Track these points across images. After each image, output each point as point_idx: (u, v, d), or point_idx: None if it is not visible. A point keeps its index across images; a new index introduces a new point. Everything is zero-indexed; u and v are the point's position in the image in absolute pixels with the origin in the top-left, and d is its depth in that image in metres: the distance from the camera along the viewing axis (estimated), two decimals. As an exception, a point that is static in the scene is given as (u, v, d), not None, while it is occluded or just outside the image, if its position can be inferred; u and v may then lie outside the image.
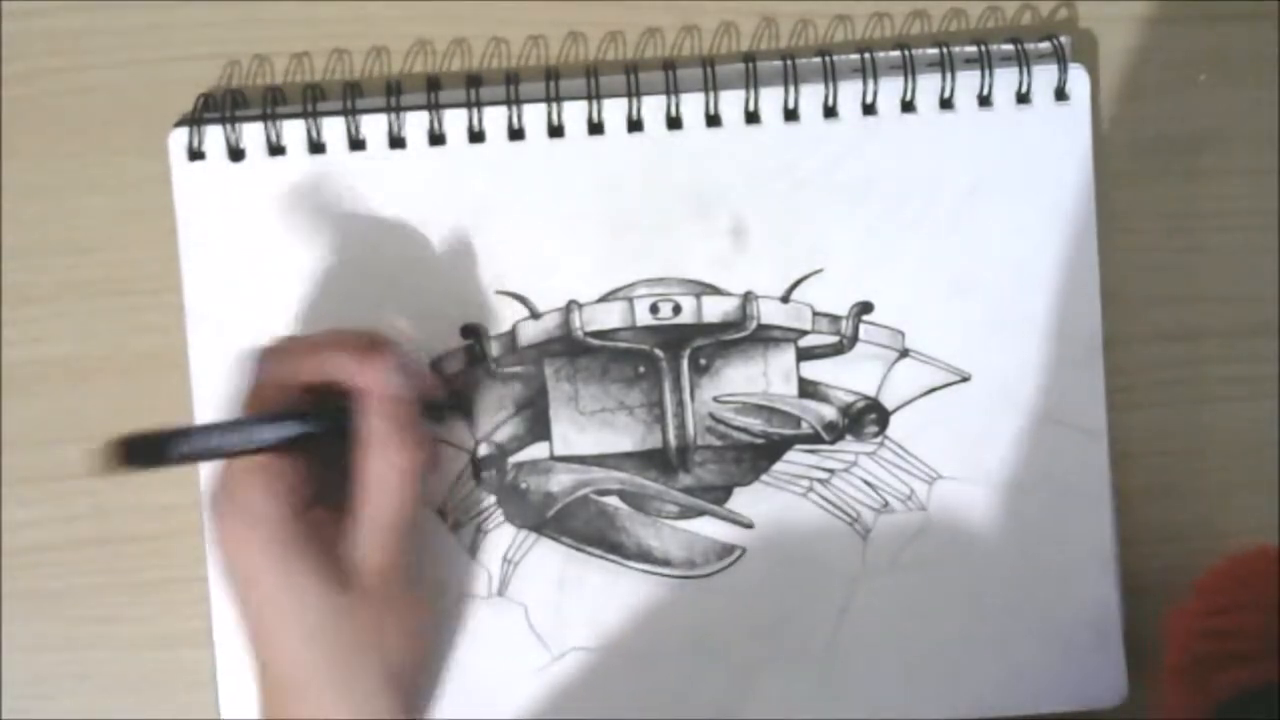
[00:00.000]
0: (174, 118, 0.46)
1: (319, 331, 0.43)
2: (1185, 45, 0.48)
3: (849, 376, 0.46)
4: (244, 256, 0.45)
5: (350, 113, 0.45)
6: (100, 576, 0.46)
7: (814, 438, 0.46)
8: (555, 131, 0.45)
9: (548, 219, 0.46)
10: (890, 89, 0.46)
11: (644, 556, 0.46)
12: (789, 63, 0.45)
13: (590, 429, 0.46)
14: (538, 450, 0.46)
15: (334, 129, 0.45)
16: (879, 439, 0.46)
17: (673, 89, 0.45)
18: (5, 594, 0.46)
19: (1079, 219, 0.46)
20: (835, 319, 0.46)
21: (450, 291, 0.46)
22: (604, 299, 0.46)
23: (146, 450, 0.39)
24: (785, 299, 0.46)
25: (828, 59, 0.45)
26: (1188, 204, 0.48)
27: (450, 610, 0.46)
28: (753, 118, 0.46)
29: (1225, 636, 0.39)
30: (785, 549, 0.46)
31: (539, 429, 0.46)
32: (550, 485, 0.46)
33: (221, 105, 0.45)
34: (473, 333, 0.46)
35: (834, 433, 0.46)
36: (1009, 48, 0.46)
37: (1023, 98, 0.46)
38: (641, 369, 0.46)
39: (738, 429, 0.46)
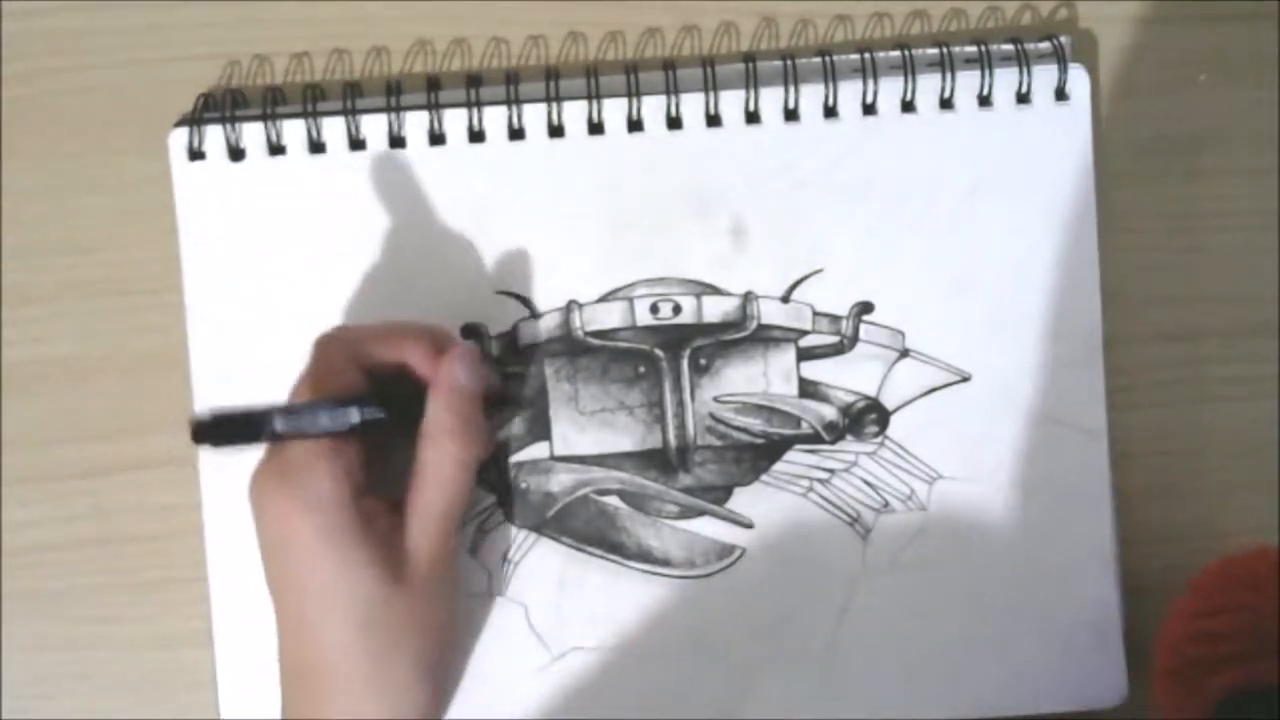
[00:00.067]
0: (174, 118, 0.46)
1: (387, 321, 0.43)
2: (1185, 45, 0.48)
3: (849, 376, 0.46)
4: (244, 256, 0.45)
5: (350, 113, 0.45)
6: (100, 576, 0.46)
7: (814, 438, 0.46)
8: (555, 131, 0.45)
9: (548, 219, 0.46)
10: (890, 89, 0.46)
11: (644, 556, 0.46)
12: (789, 63, 0.45)
13: (590, 429, 0.46)
14: (538, 450, 0.46)
15: (334, 129, 0.45)
16: (879, 439, 0.46)
17: (673, 89, 0.45)
18: (5, 594, 0.46)
19: (1079, 219, 0.46)
20: (835, 319, 0.46)
21: (450, 291, 0.46)
22: (604, 299, 0.46)
23: (238, 430, 0.39)
24: (785, 299, 0.46)
25: (828, 59, 0.45)
26: (1188, 204, 0.48)
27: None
28: (753, 118, 0.46)
29: (1218, 638, 0.39)
30: (785, 549, 0.46)
31: (539, 429, 0.46)
32: (550, 485, 0.46)
33: (221, 105, 0.45)
34: (473, 333, 0.46)
35: (834, 433, 0.46)
36: (1009, 48, 0.46)
37: (1023, 98, 0.46)
38: (641, 369, 0.46)
39: (738, 429, 0.46)
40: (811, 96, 0.46)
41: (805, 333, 0.46)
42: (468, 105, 0.45)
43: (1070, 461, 0.46)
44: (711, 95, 0.45)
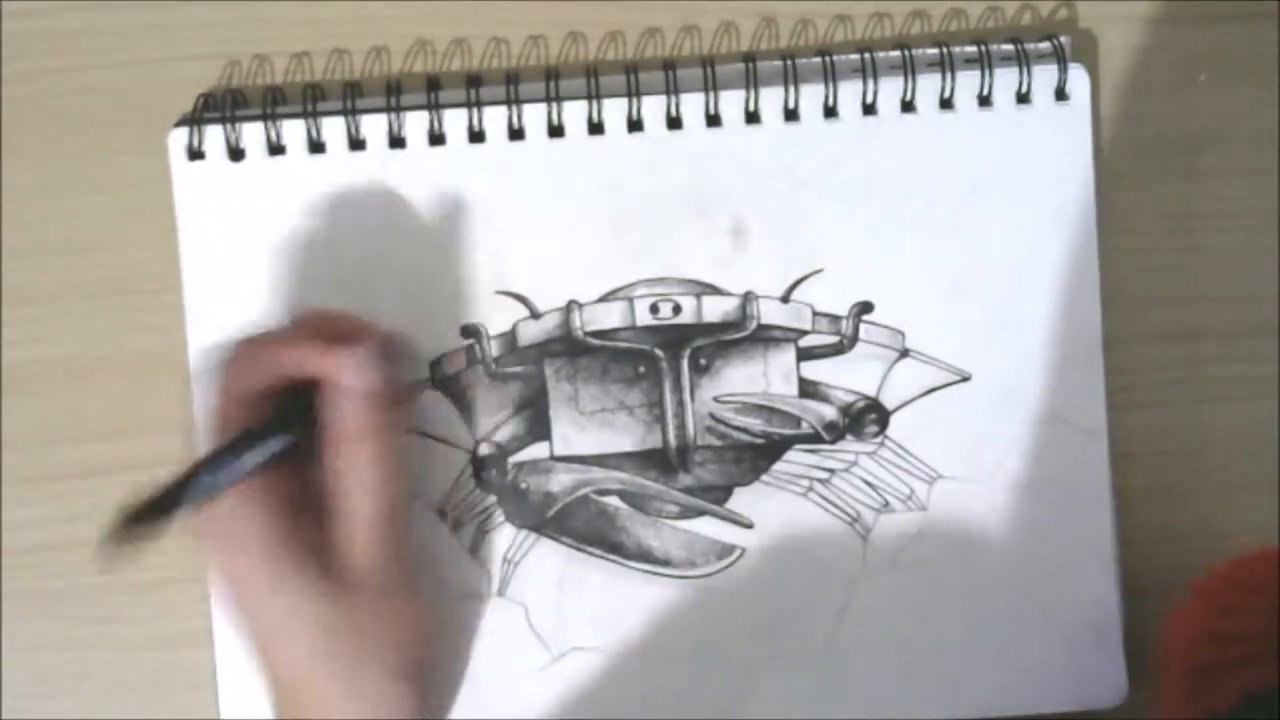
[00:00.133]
0: (174, 118, 0.46)
1: (279, 325, 0.43)
2: (1185, 45, 0.48)
3: (849, 376, 0.46)
4: (244, 256, 0.45)
5: (350, 113, 0.45)
6: (100, 576, 0.46)
7: (814, 438, 0.46)
8: (555, 131, 0.45)
9: (548, 219, 0.46)
10: (890, 89, 0.46)
11: (644, 556, 0.46)
12: (789, 63, 0.45)
13: (590, 429, 0.46)
14: (538, 450, 0.46)
15: (334, 129, 0.45)
16: (879, 439, 0.46)
17: (673, 89, 0.45)
18: (5, 594, 0.46)
19: (1079, 219, 0.46)
20: (835, 319, 0.46)
21: (450, 291, 0.46)
22: (604, 299, 0.46)
23: (152, 516, 0.38)
24: (785, 299, 0.46)
25: (828, 59, 0.45)
26: (1188, 204, 0.48)
27: (452, 609, 0.46)
28: (753, 118, 0.46)
29: (1231, 641, 0.39)
30: (785, 549, 0.46)
31: (539, 429, 0.46)
32: (550, 485, 0.46)
33: (221, 105, 0.45)
34: (473, 333, 0.46)
35: (834, 433, 0.46)
36: (1009, 48, 0.46)
37: (1023, 98, 0.46)
38: (641, 369, 0.46)
39: (738, 429, 0.46)
40: (811, 96, 0.46)
41: (805, 333, 0.46)
42: (468, 105, 0.45)
43: (1070, 461, 0.46)
44: (711, 95, 0.45)
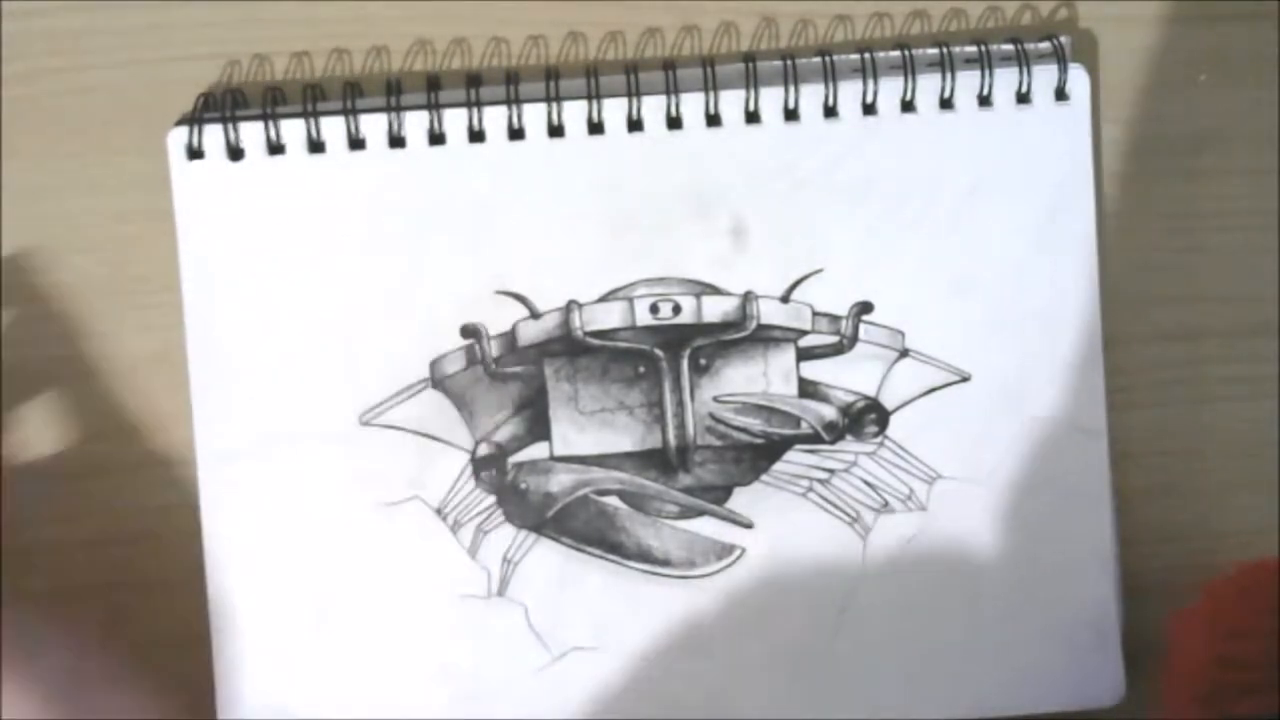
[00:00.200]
0: (174, 118, 0.46)
1: None
2: (1185, 45, 0.48)
3: (849, 376, 0.46)
4: (244, 256, 0.45)
5: (350, 113, 0.45)
6: (100, 576, 0.46)
7: (814, 438, 0.46)
8: (555, 131, 0.45)
9: (548, 219, 0.46)
10: (890, 89, 0.46)
11: (644, 556, 0.46)
12: (789, 63, 0.45)
13: (590, 429, 0.46)
14: (538, 450, 0.46)
15: (334, 129, 0.45)
16: (879, 439, 0.46)
17: (673, 89, 0.45)
18: (5, 594, 0.46)
19: (1079, 219, 0.46)
20: (835, 319, 0.46)
21: (450, 291, 0.46)
22: (604, 299, 0.46)
23: None
24: (785, 299, 0.46)
25: (828, 59, 0.45)
26: (1188, 204, 0.48)
27: (452, 609, 0.46)
28: (753, 118, 0.46)
29: (1243, 666, 0.39)
30: (785, 549, 0.46)
31: (539, 429, 0.46)
32: (550, 485, 0.46)
33: (221, 105, 0.45)
34: (472, 333, 0.46)
35: (834, 433, 0.46)
36: (1009, 48, 0.46)
37: (1023, 98, 0.46)
38: (641, 369, 0.46)
39: (738, 429, 0.46)
40: (811, 96, 0.46)
41: (805, 333, 0.46)
42: (468, 105, 0.45)
43: (1070, 461, 0.46)
44: (711, 95, 0.45)
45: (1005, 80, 0.46)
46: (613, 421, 0.46)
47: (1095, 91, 0.46)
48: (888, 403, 0.46)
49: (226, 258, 0.45)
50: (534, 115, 0.45)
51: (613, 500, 0.46)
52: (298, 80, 0.47)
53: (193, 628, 0.46)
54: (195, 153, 0.45)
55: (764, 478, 0.46)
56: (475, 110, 0.45)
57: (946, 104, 0.46)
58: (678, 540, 0.46)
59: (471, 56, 0.47)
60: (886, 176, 0.46)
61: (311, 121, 0.45)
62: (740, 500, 0.46)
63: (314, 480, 0.45)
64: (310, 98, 0.45)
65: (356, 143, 0.45)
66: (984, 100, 0.46)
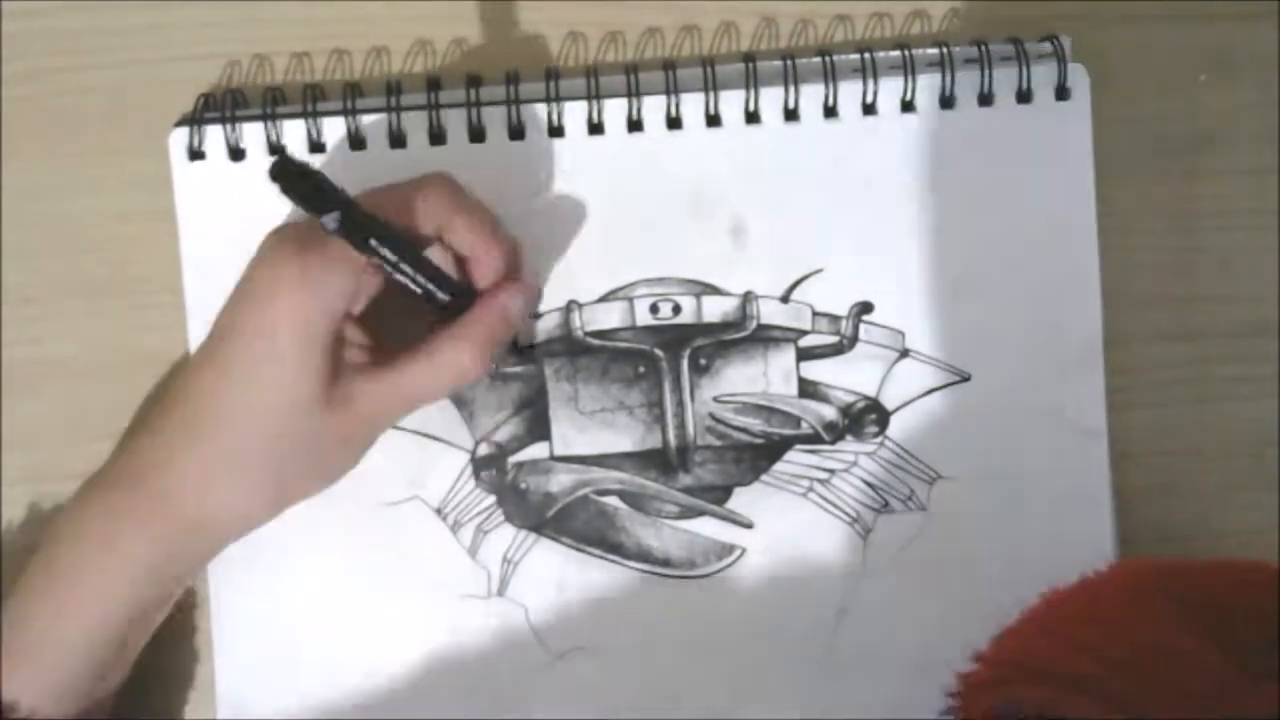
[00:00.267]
0: (174, 118, 0.46)
1: (486, 213, 0.42)
2: (1185, 45, 0.48)
3: (849, 376, 0.46)
4: (244, 256, 0.45)
5: (350, 113, 0.45)
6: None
7: (814, 438, 0.46)
8: (555, 131, 0.45)
9: (548, 219, 0.46)
10: (890, 89, 0.46)
11: (644, 556, 0.46)
12: (789, 63, 0.45)
13: (590, 429, 0.46)
14: (538, 450, 0.46)
15: (334, 129, 0.45)
16: (879, 439, 0.46)
17: (673, 89, 0.45)
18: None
19: (1079, 219, 0.46)
20: (835, 319, 0.46)
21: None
22: (604, 299, 0.46)
23: (309, 194, 0.37)
24: (785, 299, 0.46)
25: (828, 59, 0.45)
26: (1188, 204, 0.48)
27: (452, 609, 0.46)
28: (753, 118, 0.46)
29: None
30: (785, 549, 0.46)
31: (539, 429, 0.46)
32: (550, 485, 0.46)
33: (221, 105, 0.45)
34: (473, 333, 0.46)
35: (834, 433, 0.46)
36: (1009, 48, 0.46)
37: (1023, 96, 0.46)
38: (641, 369, 0.46)
39: (738, 429, 0.46)
40: (811, 96, 0.46)
41: (805, 333, 0.46)
42: (467, 105, 0.45)
43: (1070, 461, 0.46)
44: (711, 95, 0.45)
45: (1005, 78, 0.46)
46: (613, 421, 0.46)
47: (1095, 91, 0.46)
48: (888, 403, 0.46)
49: (227, 258, 0.45)
50: (534, 115, 0.45)
51: (613, 500, 0.46)
52: (298, 80, 0.47)
53: (192, 628, 0.46)
54: (196, 153, 0.45)
55: (764, 478, 0.46)
56: (475, 110, 0.45)
57: (947, 103, 0.46)
58: (678, 540, 0.46)
59: (471, 57, 0.47)
60: (886, 176, 0.46)
61: (311, 121, 0.45)
62: (740, 500, 0.46)
63: (314, 480, 0.45)
64: (310, 98, 0.45)
65: (357, 142, 0.45)
66: (984, 99, 0.46)
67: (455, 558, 0.46)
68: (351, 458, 0.42)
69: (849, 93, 0.46)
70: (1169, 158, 0.48)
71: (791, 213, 0.46)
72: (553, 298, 0.46)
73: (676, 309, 0.46)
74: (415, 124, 0.45)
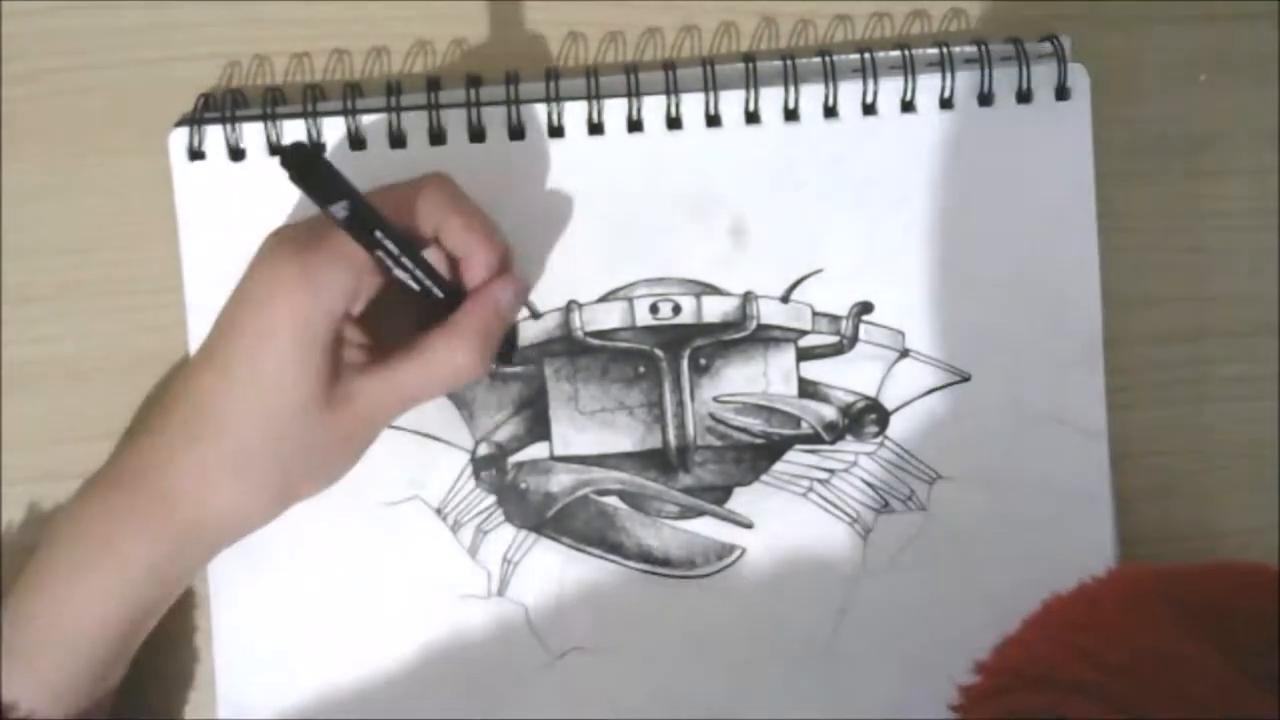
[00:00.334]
0: (174, 118, 0.46)
1: (479, 213, 0.42)
2: (1185, 45, 0.48)
3: (849, 376, 0.46)
4: (244, 256, 0.45)
5: (350, 113, 0.45)
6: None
7: (814, 438, 0.46)
8: (555, 131, 0.45)
9: (548, 219, 0.46)
10: (890, 89, 0.46)
11: (644, 556, 0.46)
12: (789, 63, 0.45)
13: (590, 429, 0.46)
14: (538, 450, 0.46)
15: (334, 129, 0.45)
16: (879, 439, 0.46)
17: (673, 89, 0.45)
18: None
19: (1079, 219, 0.46)
20: (835, 319, 0.46)
21: (450, 291, 0.46)
22: (604, 299, 0.46)
23: (318, 182, 0.37)
24: (785, 299, 0.46)
25: (828, 59, 0.45)
26: (1188, 204, 0.48)
27: (452, 609, 0.46)
28: (753, 118, 0.46)
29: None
30: (785, 549, 0.46)
31: (539, 429, 0.46)
32: (550, 485, 0.46)
33: (221, 105, 0.45)
34: (473, 333, 0.46)
35: (834, 433, 0.46)
36: (1009, 48, 0.46)
37: (1023, 96, 0.46)
38: (641, 369, 0.46)
39: (738, 429, 0.46)
40: (811, 96, 0.46)
41: (805, 333, 0.46)
42: (467, 105, 0.45)
43: (1070, 461, 0.46)
44: (711, 95, 0.45)
45: (1005, 78, 0.46)
46: (613, 421, 0.46)
47: (1095, 91, 0.46)
48: (888, 403, 0.46)
49: (227, 258, 0.45)
50: (534, 115, 0.45)
51: (613, 500, 0.46)
52: (298, 80, 0.47)
53: (193, 627, 0.46)
54: (196, 153, 0.45)
55: (764, 478, 0.46)
56: (475, 110, 0.45)
57: (946, 104, 0.46)
58: (678, 540, 0.46)
59: (471, 57, 0.47)
60: (886, 176, 0.46)
61: (311, 121, 0.45)
62: (740, 500, 0.46)
63: (314, 480, 0.45)
64: (310, 98, 0.45)
65: (357, 143, 0.45)
66: (984, 99, 0.46)
67: (455, 558, 0.46)
68: (351, 457, 0.42)
69: (849, 93, 0.46)
70: (1169, 158, 0.48)
71: (791, 213, 0.46)
72: (553, 298, 0.46)
73: (676, 309, 0.46)
74: (415, 124, 0.45)
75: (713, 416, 0.46)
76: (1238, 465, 0.48)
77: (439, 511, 0.46)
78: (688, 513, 0.46)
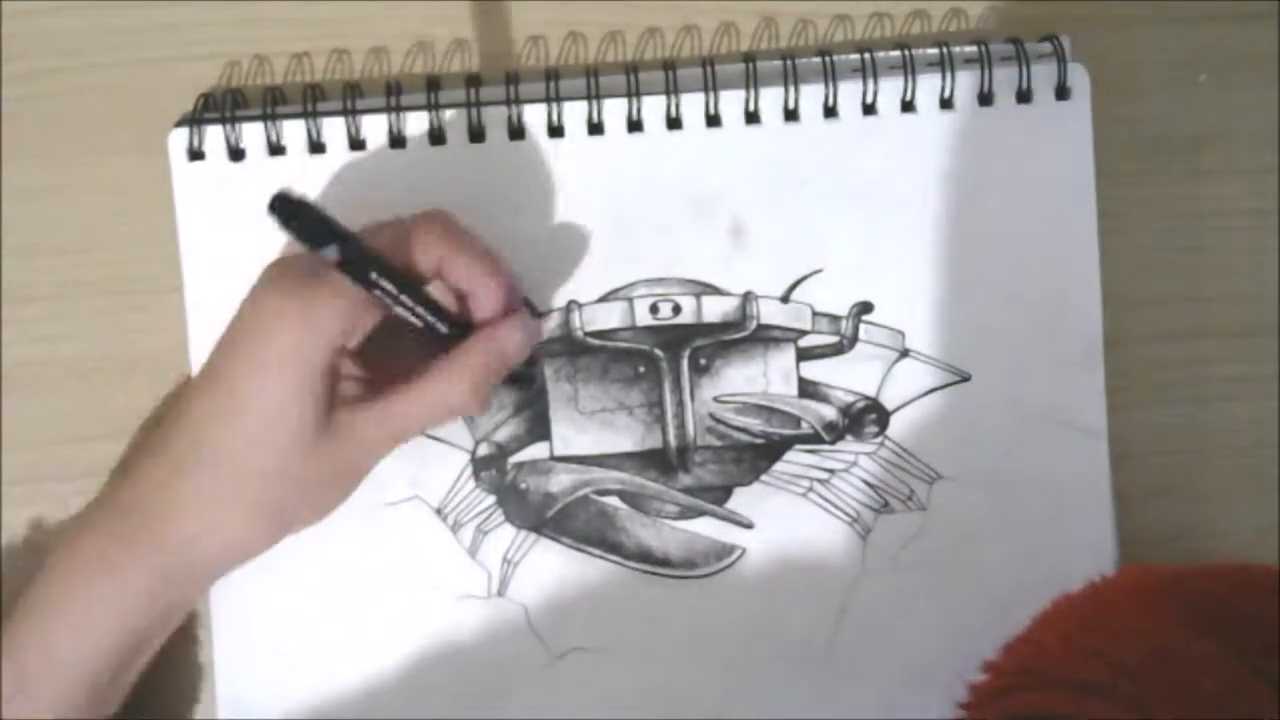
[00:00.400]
0: (174, 118, 0.46)
1: (482, 249, 0.42)
2: (1185, 45, 0.48)
3: (849, 376, 0.46)
4: (244, 256, 0.45)
5: (350, 113, 0.45)
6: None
7: (814, 438, 0.46)
8: (555, 131, 0.45)
9: (548, 219, 0.46)
10: (890, 89, 0.46)
11: (644, 556, 0.46)
12: (789, 63, 0.45)
13: (590, 429, 0.46)
14: (538, 450, 0.46)
15: (334, 129, 0.45)
16: (879, 439, 0.46)
17: (673, 89, 0.45)
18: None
19: (1079, 219, 0.46)
20: (835, 319, 0.46)
21: (450, 291, 0.46)
22: (604, 299, 0.46)
23: (308, 228, 0.37)
24: (785, 299, 0.46)
25: (828, 59, 0.45)
26: (1188, 204, 0.48)
27: (452, 609, 0.46)
28: (753, 118, 0.46)
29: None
30: (785, 549, 0.46)
31: (539, 429, 0.46)
32: (550, 485, 0.46)
33: (221, 105, 0.45)
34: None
35: (834, 433, 0.46)
36: (1009, 48, 0.46)
37: (1023, 96, 0.46)
38: (641, 369, 0.46)
39: (738, 429, 0.46)
40: (811, 96, 0.46)
41: (805, 333, 0.46)
42: (467, 105, 0.45)
43: (1070, 461, 0.46)
44: (711, 95, 0.45)
45: (1006, 78, 0.46)
46: (613, 421, 0.46)
47: (1095, 91, 0.46)
48: (888, 403, 0.46)
49: (227, 258, 0.45)
50: (534, 115, 0.45)
51: (613, 500, 0.46)
52: (298, 80, 0.47)
53: (193, 630, 0.46)
54: (196, 153, 0.45)
55: (764, 478, 0.46)
56: (475, 110, 0.45)
57: (946, 104, 0.46)
58: (678, 540, 0.46)
59: (471, 57, 0.47)
60: (886, 176, 0.46)
61: (312, 122, 0.45)
62: (740, 500, 0.46)
63: (314, 480, 0.45)
64: (310, 98, 0.45)
65: (357, 143, 0.45)
66: (985, 99, 0.46)
67: (455, 558, 0.46)
68: (346, 490, 0.42)
69: (849, 93, 0.46)
70: (1169, 158, 0.48)
71: (791, 213, 0.46)
72: (553, 298, 0.46)
73: (676, 309, 0.46)
74: (415, 124, 0.45)
75: (713, 416, 0.46)
76: (1238, 465, 0.48)
77: (439, 511, 0.46)
78: (688, 513, 0.46)
